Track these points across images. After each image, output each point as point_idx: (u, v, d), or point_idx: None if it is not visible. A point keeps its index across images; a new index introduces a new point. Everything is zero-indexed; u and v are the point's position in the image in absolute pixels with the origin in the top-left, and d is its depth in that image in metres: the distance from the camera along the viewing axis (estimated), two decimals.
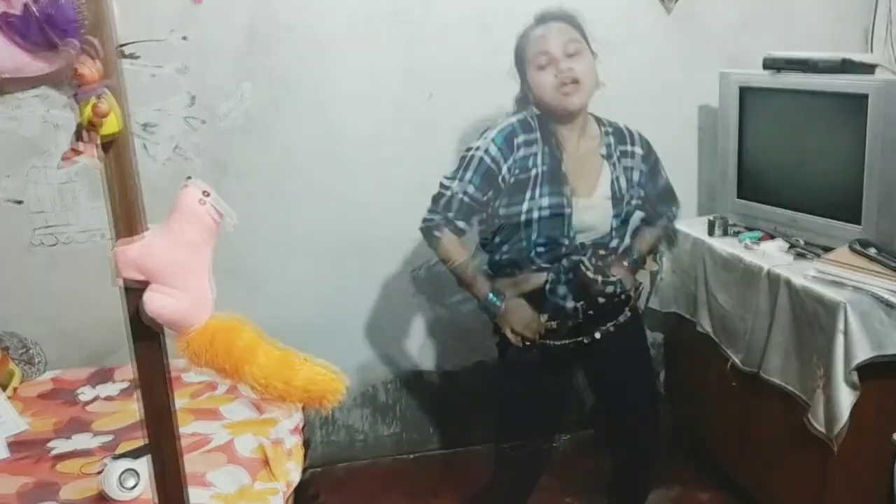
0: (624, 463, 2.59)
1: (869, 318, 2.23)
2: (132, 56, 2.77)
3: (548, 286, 2.24)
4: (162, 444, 1.26)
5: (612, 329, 2.33)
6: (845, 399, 2.24)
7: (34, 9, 2.44)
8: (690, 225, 3.04)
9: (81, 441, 2.41)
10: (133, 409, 2.55)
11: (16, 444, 2.37)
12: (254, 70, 2.88)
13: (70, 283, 2.93)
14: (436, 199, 2.26)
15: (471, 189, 2.19)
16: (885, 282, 2.26)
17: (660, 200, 2.48)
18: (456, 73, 2.95)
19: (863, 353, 2.22)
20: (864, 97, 2.40)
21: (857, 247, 2.40)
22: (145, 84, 2.80)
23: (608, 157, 2.30)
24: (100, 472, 2.15)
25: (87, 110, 1.09)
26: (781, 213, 2.75)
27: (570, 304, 2.24)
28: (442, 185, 2.25)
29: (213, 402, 2.59)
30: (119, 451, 2.30)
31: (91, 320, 2.96)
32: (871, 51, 3.12)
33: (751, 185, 2.88)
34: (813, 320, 2.35)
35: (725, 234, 2.89)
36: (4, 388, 2.60)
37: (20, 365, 2.79)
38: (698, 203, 3.28)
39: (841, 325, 2.23)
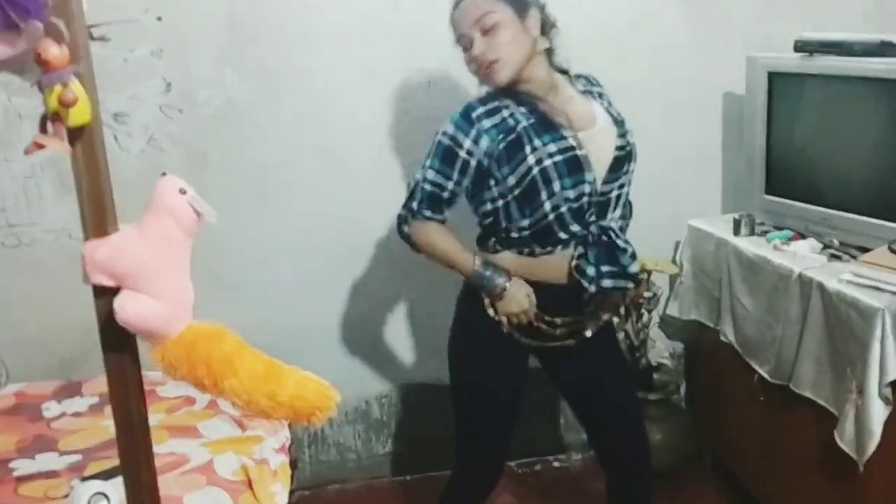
0: (619, 483, 2.61)
1: None
2: (102, 38, 2.76)
3: (574, 263, 2.26)
4: (136, 464, 1.25)
5: (602, 325, 2.39)
6: (877, 415, 2.25)
7: None
8: (714, 223, 3.06)
9: (47, 461, 2.40)
10: (103, 426, 2.56)
11: None
12: (236, 53, 2.88)
13: (34, 287, 2.94)
14: (409, 194, 2.31)
15: (430, 175, 2.23)
16: None
17: None
18: (457, 58, 2.95)
19: None
20: None
21: None
22: (116, 69, 2.80)
23: (589, 93, 2.37)
24: (67, 496, 2.14)
25: (53, 99, 1.08)
26: (814, 210, 2.76)
27: (592, 287, 2.24)
28: (416, 181, 2.30)
29: (192, 418, 2.59)
30: (88, 472, 2.30)
31: (57, 328, 2.97)
32: None
33: (780, 179, 2.89)
34: (847, 328, 2.35)
35: (752, 233, 2.91)
36: None
37: None
38: (723, 200, 3.30)
39: (878, 334, 2.23)
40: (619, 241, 2.27)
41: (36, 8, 2.48)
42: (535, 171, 2.16)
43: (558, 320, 2.31)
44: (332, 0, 2.91)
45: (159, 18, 2.79)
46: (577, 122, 2.24)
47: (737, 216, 2.93)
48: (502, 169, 2.19)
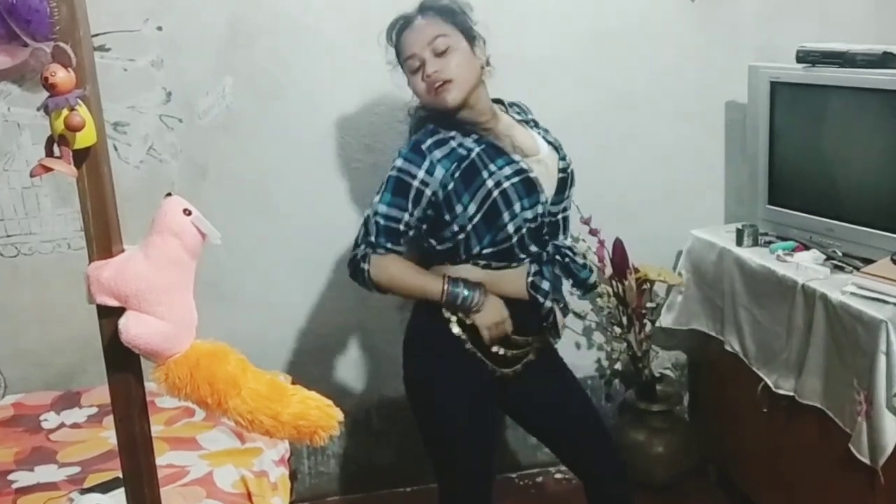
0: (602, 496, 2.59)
1: None
2: (102, 48, 2.78)
3: (530, 279, 2.31)
4: (139, 483, 1.28)
5: (549, 345, 2.46)
6: (890, 427, 2.26)
7: None
8: (717, 234, 3.08)
9: (46, 473, 2.42)
10: (102, 438, 2.58)
11: None
12: (236, 63, 2.90)
13: (33, 297, 2.96)
14: (360, 233, 2.29)
15: (383, 209, 2.22)
16: None
17: None
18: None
19: None
20: None
21: None
22: (116, 79, 2.82)
23: (524, 121, 2.44)
24: None
25: (59, 122, 1.10)
26: (817, 221, 2.77)
27: (547, 303, 2.32)
28: (365, 218, 2.29)
29: (191, 429, 2.61)
30: (87, 484, 2.31)
31: (56, 339, 2.99)
32: None
33: (783, 190, 2.91)
34: (853, 340, 2.37)
35: (755, 244, 2.92)
36: None
37: None
38: (725, 210, 3.32)
39: (883, 346, 2.25)
40: (576, 258, 2.40)
41: (37, 19, 2.52)
42: (496, 193, 2.20)
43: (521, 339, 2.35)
44: (331, 8, 2.92)
45: (159, 28, 2.82)
46: (521, 147, 2.30)
47: (739, 226, 2.94)
48: (462, 198, 2.21)
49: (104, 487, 2.26)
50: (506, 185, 2.20)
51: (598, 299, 3.21)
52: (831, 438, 2.49)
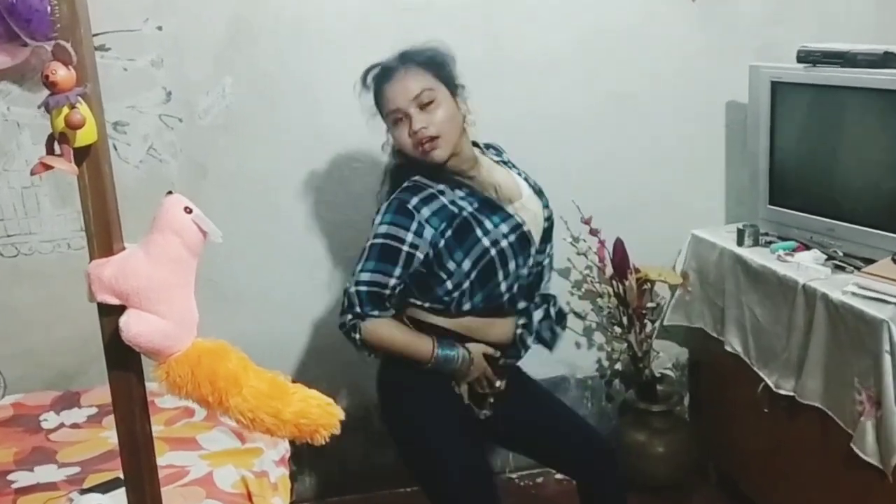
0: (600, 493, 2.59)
1: None
2: (102, 48, 2.79)
3: (519, 332, 2.38)
4: (140, 482, 1.28)
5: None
6: None
7: None
8: (717, 234, 3.09)
9: (45, 473, 2.41)
10: (102, 438, 2.58)
11: None
12: (237, 63, 2.91)
13: (33, 297, 2.97)
14: (343, 304, 2.28)
15: (366, 276, 2.21)
16: None
17: None
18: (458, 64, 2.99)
19: None
20: None
21: None
22: (116, 79, 2.83)
23: (502, 162, 2.45)
24: None
25: (60, 120, 1.10)
26: (818, 221, 2.78)
27: (524, 353, 2.43)
28: (345, 291, 2.27)
29: (191, 429, 2.61)
30: (87, 484, 2.31)
31: (56, 339, 3.00)
32: None
33: (784, 190, 2.92)
34: (854, 339, 2.38)
35: (756, 243, 2.93)
36: None
37: None
38: (726, 210, 3.33)
39: (886, 346, 2.25)
40: (563, 308, 2.52)
41: (37, 18, 2.52)
42: (493, 252, 2.21)
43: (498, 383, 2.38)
44: (331, 9, 2.93)
45: (160, 28, 2.82)
46: (506, 192, 2.30)
47: (740, 226, 2.95)
48: (455, 255, 2.21)
49: (104, 488, 2.26)
50: (503, 244, 2.22)
51: (599, 299, 3.23)
52: (832, 438, 2.50)
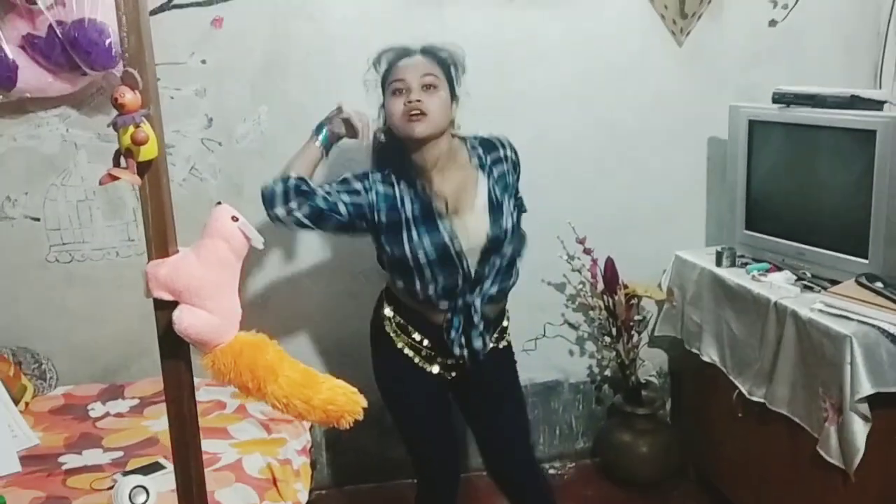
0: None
1: (875, 352, 2.27)
2: None
3: (444, 322, 2.33)
4: (186, 456, 1.31)
5: (488, 350, 2.41)
6: (859, 430, 2.28)
7: (58, 31, 2.53)
8: (698, 255, 3.09)
9: (92, 456, 2.44)
10: (143, 426, 2.61)
11: (27, 459, 2.40)
12: (270, 93, 2.95)
13: (83, 299, 2.99)
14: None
15: (343, 196, 2.27)
16: (891, 315, 2.30)
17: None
18: (472, 102, 3.03)
19: (869, 387, 2.25)
20: (873, 133, 2.45)
21: (864, 280, 2.44)
22: (164, 106, 2.76)
23: (482, 167, 2.35)
24: (110, 488, 2.18)
25: (126, 137, 1.14)
26: (789, 245, 2.79)
27: (456, 349, 2.33)
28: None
29: (222, 420, 2.63)
30: (129, 467, 2.33)
31: (103, 337, 3.02)
32: (880, 87, 3.18)
33: (759, 216, 2.93)
34: (820, 352, 2.39)
35: (733, 264, 2.93)
36: (17, 402, 2.64)
37: (32, 380, 2.84)
38: (706, 233, 3.33)
39: (848, 358, 2.27)
40: (474, 317, 2.31)
41: (97, 51, 2.57)
42: (410, 258, 2.22)
43: (427, 342, 2.36)
44: (355, 46, 2.86)
45: (203, 62, 2.86)
46: (455, 204, 2.27)
47: (719, 249, 2.96)
48: (382, 237, 2.27)
49: (145, 470, 2.28)
50: (420, 256, 2.22)
51: (591, 312, 3.24)
52: (799, 442, 2.51)
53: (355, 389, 1.37)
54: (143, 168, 1.20)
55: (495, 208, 2.30)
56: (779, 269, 2.80)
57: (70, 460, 2.42)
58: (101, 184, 1.21)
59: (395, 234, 2.25)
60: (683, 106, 3.19)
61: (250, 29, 2.88)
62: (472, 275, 2.28)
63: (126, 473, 2.26)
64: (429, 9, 2.95)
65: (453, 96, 2.30)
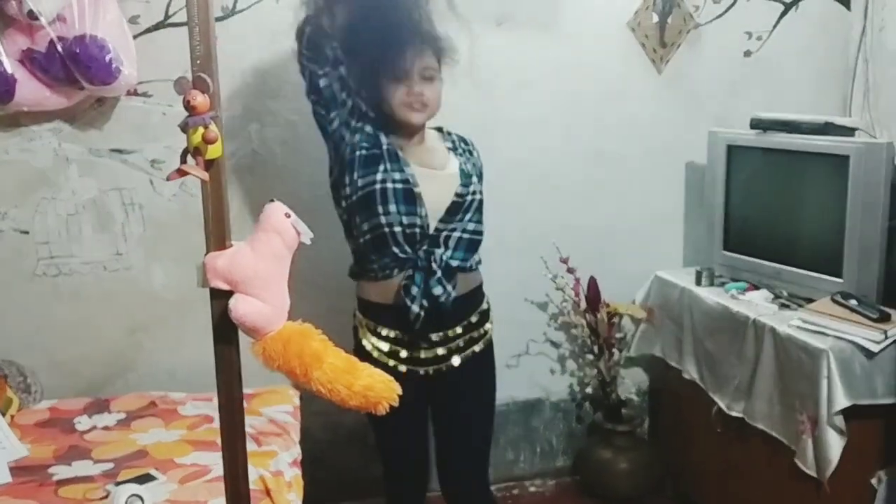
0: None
1: (850, 366, 2.42)
2: (145, 95, 2.94)
3: (402, 283, 2.37)
4: (234, 433, 1.42)
5: (469, 356, 2.48)
6: (834, 442, 2.41)
7: (59, 46, 2.64)
8: (678, 275, 3.24)
9: (82, 468, 2.49)
10: (131, 439, 2.66)
11: (17, 470, 2.44)
12: (261, 112, 3.05)
13: (70, 313, 3.04)
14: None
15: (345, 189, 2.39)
16: (865, 331, 2.45)
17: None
18: (457, 120, 3.15)
19: (844, 399, 2.40)
20: (846, 158, 2.61)
21: (839, 298, 2.59)
22: (156, 122, 2.96)
23: (454, 149, 2.51)
24: (103, 498, 2.24)
25: (197, 137, 1.27)
26: (766, 265, 2.93)
27: (415, 308, 2.34)
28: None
29: (212, 433, 2.67)
30: (121, 478, 2.38)
31: (89, 351, 3.07)
32: (850, 115, 3.38)
33: (737, 238, 3.07)
34: (797, 367, 2.52)
35: (712, 284, 3.07)
36: (3, 414, 2.67)
37: (17, 393, 2.87)
38: (685, 254, 3.48)
39: (825, 372, 2.41)
40: (433, 267, 2.35)
41: (97, 67, 2.68)
42: (378, 187, 2.31)
43: (393, 333, 2.42)
44: None
45: None
46: (430, 163, 2.41)
47: (698, 269, 3.09)
48: (355, 172, 2.35)
49: (138, 481, 2.32)
50: (389, 185, 2.31)
51: (573, 330, 3.35)
52: (776, 454, 2.63)
53: (391, 378, 1.49)
54: (207, 167, 1.32)
55: (465, 175, 2.43)
56: (756, 288, 2.94)
57: (60, 471, 2.46)
58: (168, 179, 1.33)
59: (368, 166, 2.33)
60: (663, 131, 3.35)
61: (243, 48, 2.98)
62: (429, 231, 2.37)
63: (119, 483, 2.30)
64: None
65: (441, 84, 2.43)
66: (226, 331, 1.38)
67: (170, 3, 2.90)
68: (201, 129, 1.27)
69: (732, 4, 3.32)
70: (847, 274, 2.66)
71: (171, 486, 2.37)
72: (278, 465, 2.55)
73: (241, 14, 2.98)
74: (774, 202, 2.96)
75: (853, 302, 2.56)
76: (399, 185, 2.32)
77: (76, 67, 2.65)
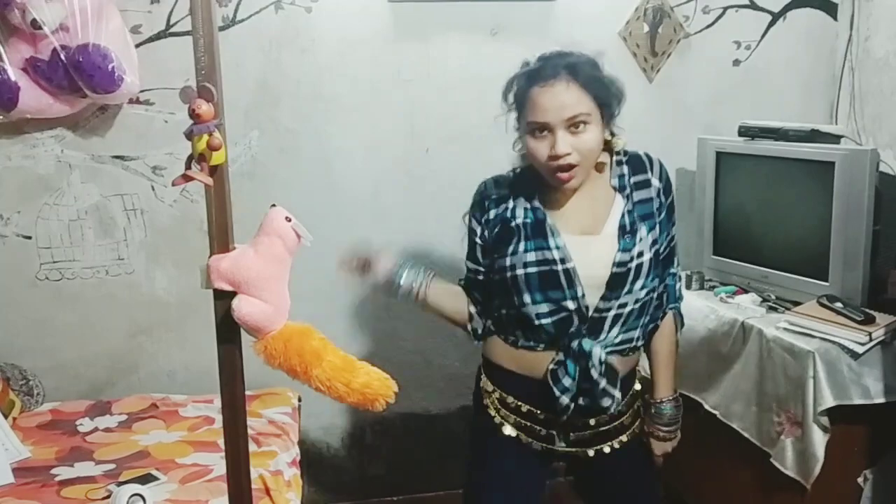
0: None
1: (835, 367, 2.45)
2: (147, 102, 2.98)
3: (551, 367, 1.98)
4: (236, 430, 1.47)
5: (607, 451, 2.11)
6: (818, 441, 2.44)
7: (62, 55, 2.68)
8: None
9: (84, 468, 2.53)
10: (133, 440, 2.71)
11: (20, 471, 2.49)
12: (262, 119, 3.10)
13: (72, 317, 3.09)
14: None
15: (471, 265, 2.14)
16: (850, 333, 2.48)
17: (665, 258, 2.12)
18: (452, 129, 3.21)
19: (830, 399, 2.43)
20: (832, 164, 2.65)
21: (825, 301, 2.62)
22: (158, 129, 3.01)
23: (621, 188, 2.02)
24: (106, 498, 2.28)
25: (202, 143, 1.31)
26: (754, 269, 2.96)
27: (565, 399, 1.97)
28: None
29: (212, 434, 2.73)
30: (123, 478, 2.43)
31: (90, 355, 3.12)
32: (836, 123, 3.43)
33: (726, 242, 3.10)
34: (780, 370, 2.55)
35: (702, 287, 3.11)
36: (5, 416, 2.72)
37: (20, 396, 2.92)
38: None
39: (811, 373, 2.44)
40: (592, 372, 1.94)
41: (100, 76, 2.72)
42: (508, 275, 1.95)
43: (536, 411, 2.06)
44: (343, 78, 3.12)
45: None
46: (578, 225, 1.97)
47: (688, 273, 3.11)
48: (490, 256, 2.05)
49: (140, 481, 2.38)
50: (519, 272, 1.93)
51: None
52: (756, 453, 2.66)
53: (388, 376, 1.53)
54: (211, 172, 1.36)
55: (626, 234, 1.95)
56: (745, 291, 2.98)
57: (63, 472, 2.50)
58: (173, 184, 1.37)
59: (502, 247, 1.98)
60: (654, 138, 3.26)
61: (244, 58, 3.04)
62: (589, 313, 1.95)
63: (120, 484, 2.34)
64: (415, 43, 3.14)
65: (610, 115, 1.97)
66: (228, 331, 1.42)
67: (172, 12, 2.96)
68: (206, 137, 1.30)
69: (721, 15, 3.37)
70: (833, 277, 2.70)
71: (171, 486, 2.41)
72: (278, 465, 2.60)
73: (240, 24, 3.03)
74: (762, 208, 3.00)
75: (839, 305, 2.59)
76: (533, 269, 1.93)
77: (79, 76, 2.69)
